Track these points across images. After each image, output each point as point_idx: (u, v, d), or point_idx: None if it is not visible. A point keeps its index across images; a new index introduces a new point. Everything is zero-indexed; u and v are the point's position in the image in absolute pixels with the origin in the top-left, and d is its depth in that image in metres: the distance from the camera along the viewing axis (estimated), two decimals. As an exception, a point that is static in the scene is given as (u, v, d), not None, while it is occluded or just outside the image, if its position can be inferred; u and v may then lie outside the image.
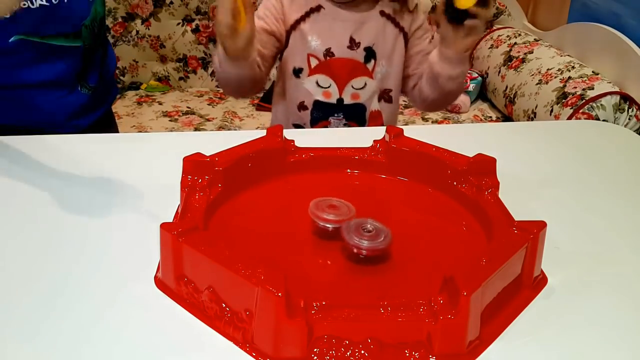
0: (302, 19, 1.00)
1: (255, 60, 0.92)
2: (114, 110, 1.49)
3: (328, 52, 1.00)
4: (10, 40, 0.92)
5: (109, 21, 1.98)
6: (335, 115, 1.03)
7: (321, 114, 1.03)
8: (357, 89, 1.02)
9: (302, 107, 1.04)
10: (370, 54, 1.01)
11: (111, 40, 1.98)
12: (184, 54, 2.07)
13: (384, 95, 1.04)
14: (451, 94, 1.02)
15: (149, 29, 2.03)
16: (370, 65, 1.01)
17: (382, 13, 1.01)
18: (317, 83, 1.01)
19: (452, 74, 0.96)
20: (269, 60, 1.02)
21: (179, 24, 2.04)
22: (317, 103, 1.03)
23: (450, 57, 0.94)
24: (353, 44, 1.00)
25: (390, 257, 0.57)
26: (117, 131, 1.22)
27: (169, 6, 2.01)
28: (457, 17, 0.87)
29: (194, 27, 2.04)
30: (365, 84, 1.02)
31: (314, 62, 1.01)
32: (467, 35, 0.90)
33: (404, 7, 1.02)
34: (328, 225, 0.57)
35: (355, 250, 0.55)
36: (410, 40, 1.03)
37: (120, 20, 2.00)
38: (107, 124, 1.17)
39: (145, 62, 2.07)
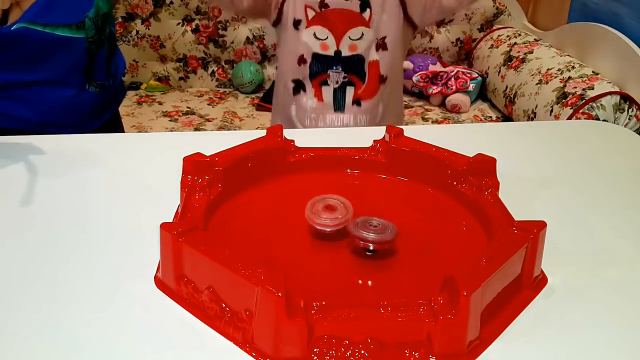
0: None
1: None
2: None
3: (323, 3, 1.01)
4: (13, 28, 0.92)
5: (109, 21, 1.98)
6: (334, 67, 1.04)
7: (320, 67, 1.04)
8: (354, 40, 1.03)
9: (301, 60, 1.05)
10: (364, 3, 1.02)
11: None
12: (184, 53, 2.07)
13: (381, 44, 1.05)
14: None
15: (149, 29, 2.03)
16: (366, 15, 1.03)
17: None
18: (314, 35, 1.03)
19: None
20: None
21: (179, 23, 2.04)
22: (315, 56, 1.04)
23: None
24: None
25: (390, 256, 0.57)
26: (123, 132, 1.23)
27: (168, 6, 2.01)
28: None
29: (194, 27, 2.04)
30: (362, 34, 1.03)
31: (310, 14, 1.02)
32: None
33: None
34: (326, 229, 0.58)
35: (362, 244, 0.55)
36: None
37: (120, 20, 2.01)
38: (114, 126, 1.18)
39: (145, 62, 2.07)
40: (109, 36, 1.08)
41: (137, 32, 2.01)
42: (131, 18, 2.02)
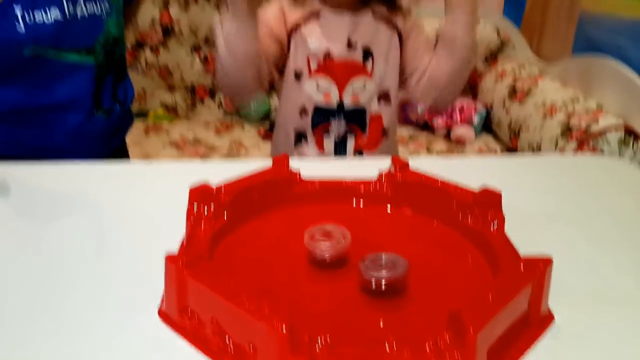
0: (303, 21, 1.03)
1: (252, 41, 0.93)
2: None
3: (327, 54, 1.03)
4: (25, 53, 0.94)
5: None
6: (336, 118, 1.05)
7: (322, 118, 1.05)
8: (357, 91, 1.04)
9: (303, 111, 1.05)
10: (367, 53, 1.04)
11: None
12: (192, 82, 2.09)
13: (383, 96, 1.07)
14: (466, 63, 1.03)
15: (157, 58, 2.06)
16: (368, 65, 1.04)
17: (375, 14, 1.04)
18: (317, 85, 1.04)
19: (464, 31, 0.99)
20: (273, 66, 1.03)
21: (187, 53, 2.07)
22: (317, 107, 1.05)
23: (460, 13, 0.98)
24: (350, 44, 1.03)
25: (395, 290, 0.56)
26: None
27: (178, 35, 2.04)
28: None
29: (202, 56, 2.07)
30: (365, 84, 1.04)
31: (313, 64, 1.03)
32: None
33: (397, 9, 1.06)
34: (325, 255, 0.58)
35: (374, 285, 0.55)
36: (407, 41, 1.06)
37: (129, 48, 2.04)
38: (122, 154, 1.18)
39: (154, 91, 2.09)
40: (119, 61, 1.10)
41: (146, 60, 2.04)
42: (140, 46, 2.04)
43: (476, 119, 1.92)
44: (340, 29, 1.03)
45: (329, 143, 1.07)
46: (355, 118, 1.06)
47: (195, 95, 2.11)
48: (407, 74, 1.08)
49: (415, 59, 1.06)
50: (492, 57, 2.11)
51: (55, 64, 0.98)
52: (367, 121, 1.06)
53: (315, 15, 1.04)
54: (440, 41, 1.02)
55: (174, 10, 2.03)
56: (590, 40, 1.88)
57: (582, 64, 1.77)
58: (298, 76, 1.05)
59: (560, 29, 2.06)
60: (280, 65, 1.05)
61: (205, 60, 2.07)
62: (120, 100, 1.11)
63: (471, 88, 2.13)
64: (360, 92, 1.04)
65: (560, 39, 2.06)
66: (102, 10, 1.01)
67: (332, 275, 0.58)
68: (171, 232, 0.62)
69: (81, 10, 0.98)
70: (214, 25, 0.95)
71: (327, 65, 1.03)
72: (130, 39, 2.03)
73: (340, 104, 1.05)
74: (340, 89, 1.04)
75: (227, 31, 0.92)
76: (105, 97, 1.07)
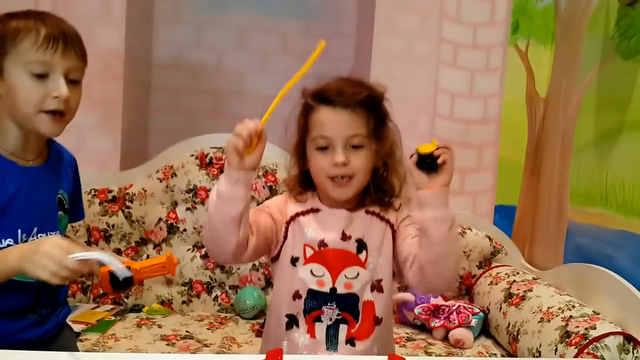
0: (302, 213, 1.12)
1: (243, 205, 1.00)
2: (112, 332, 1.51)
3: (322, 243, 1.09)
4: None
5: (122, 245, 2.07)
6: (329, 304, 1.07)
7: (314, 303, 1.08)
8: (350, 279, 1.08)
9: (296, 295, 1.08)
10: (361, 245, 1.10)
11: (121, 262, 2.04)
12: (190, 278, 2.11)
13: (376, 286, 1.10)
14: (446, 252, 1.02)
15: (159, 254, 2.10)
16: (362, 256, 1.09)
17: (367, 211, 1.12)
18: (311, 272, 1.08)
19: (437, 217, 1.00)
20: (259, 240, 1.07)
21: (189, 249, 2.12)
22: (311, 292, 1.08)
23: (430, 199, 1.01)
24: (345, 236, 1.09)
25: None
26: (72, 343, 1.28)
27: (182, 233, 2.11)
28: (426, 164, 1.00)
29: (203, 253, 2.12)
30: (358, 273, 1.08)
31: (309, 252, 1.09)
32: (441, 173, 1.00)
33: (389, 206, 1.13)
34: None
35: None
36: (398, 230, 1.13)
37: (133, 244, 2.09)
38: (60, 335, 1.22)
39: (151, 285, 2.10)
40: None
41: (148, 256, 2.08)
42: (144, 243, 2.10)
43: (474, 322, 1.89)
44: (335, 222, 1.11)
45: (320, 330, 1.08)
46: (348, 305, 1.08)
47: (192, 289, 2.11)
48: (401, 262, 1.11)
49: (406, 246, 1.11)
50: (486, 262, 2.16)
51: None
52: (360, 309, 1.08)
53: (314, 211, 1.13)
54: (418, 232, 1.06)
55: (181, 211, 2.13)
56: (580, 249, 1.94)
57: (575, 272, 1.80)
58: (294, 262, 1.10)
59: (550, 238, 2.13)
60: (269, 242, 1.11)
61: (205, 257, 2.11)
62: (53, 307, 1.20)
63: (467, 290, 2.14)
64: (353, 280, 1.08)
65: (551, 248, 2.11)
66: None
67: None
68: None
69: (32, 239, 1.10)
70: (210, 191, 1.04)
71: (322, 254, 1.09)
72: (135, 236, 2.09)
73: (334, 290, 1.08)
74: (334, 277, 1.08)
75: (219, 190, 1.00)
76: (41, 306, 1.16)
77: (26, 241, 1.10)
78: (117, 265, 0.99)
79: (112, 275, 1.04)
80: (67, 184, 1.23)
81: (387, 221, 1.13)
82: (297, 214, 1.12)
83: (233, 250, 1.02)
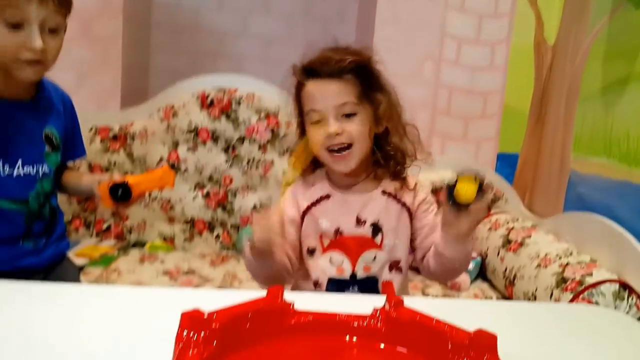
0: (314, 204, 1.10)
1: (282, 261, 1.00)
2: (115, 267, 1.55)
3: (337, 231, 1.08)
4: None
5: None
6: (350, 288, 1.08)
7: (335, 289, 1.08)
8: (368, 262, 1.08)
9: (316, 285, 1.09)
10: (376, 229, 1.08)
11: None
12: (192, 216, 2.12)
13: (394, 266, 1.10)
14: (455, 271, 1.09)
15: (161, 192, 2.11)
16: (378, 239, 1.08)
17: (384, 192, 1.10)
18: (330, 260, 1.08)
19: (455, 255, 1.02)
20: (297, 247, 1.10)
21: (190, 189, 2.13)
22: (331, 279, 1.08)
23: (453, 239, 1.00)
24: (359, 222, 1.08)
25: None
26: (74, 276, 1.31)
27: (183, 173, 2.12)
28: (459, 205, 0.94)
29: (205, 192, 2.13)
30: (375, 256, 1.08)
31: (326, 241, 1.09)
32: (469, 220, 0.96)
33: (404, 185, 1.11)
34: None
35: None
36: (415, 214, 1.11)
37: (135, 181, 2.10)
38: (60, 270, 1.25)
39: (153, 222, 2.12)
40: (51, 209, 1.23)
41: (149, 194, 2.09)
42: (145, 181, 2.11)
43: (471, 266, 1.92)
44: (349, 208, 1.09)
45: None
46: (368, 287, 1.09)
47: (194, 228, 2.13)
48: (414, 247, 1.13)
49: (420, 236, 1.11)
50: (486, 211, 2.17)
51: None
52: (379, 289, 1.09)
53: (325, 198, 1.11)
54: (433, 246, 1.06)
55: (182, 151, 2.12)
56: (581, 199, 1.95)
57: (574, 220, 1.81)
58: (311, 252, 1.10)
59: (551, 187, 2.13)
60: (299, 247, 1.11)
61: (207, 196, 2.13)
62: (49, 238, 1.23)
63: (466, 236, 2.16)
64: (371, 263, 1.08)
65: (552, 196, 2.12)
66: (37, 172, 1.16)
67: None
68: (159, 357, 0.61)
69: (17, 171, 1.13)
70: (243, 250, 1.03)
71: (339, 242, 1.08)
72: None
73: (353, 275, 1.08)
74: (353, 262, 1.08)
75: (251, 264, 1.01)
76: (36, 235, 1.19)
77: (10, 173, 1.13)
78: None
79: (112, 189, 1.11)
80: (58, 121, 1.24)
81: (404, 204, 1.11)
82: (310, 206, 1.11)
83: (288, 281, 1.07)
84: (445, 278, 1.13)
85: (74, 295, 0.88)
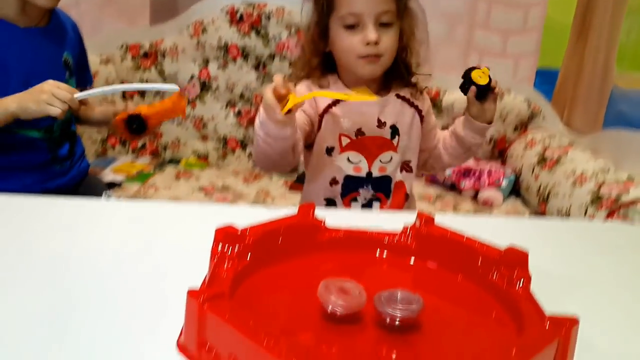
0: (334, 104, 1.09)
1: (293, 138, 0.97)
2: (152, 183, 1.60)
3: (359, 131, 1.09)
4: None
5: (156, 100, 2.08)
6: (365, 186, 1.11)
7: (351, 187, 1.11)
8: (384, 163, 1.11)
9: (333, 182, 1.12)
10: (394, 131, 1.11)
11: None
12: (224, 135, 2.14)
13: (405, 166, 1.15)
14: (470, 154, 1.19)
15: (193, 110, 2.12)
16: (395, 141, 1.11)
17: (398, 96, 1.12)
18: (348, 159, 1.10)
19: (479, 143, 1.14)
20: (302, 144, 1.08)
21: (222, 107, 2.13)
22: (347, 177, 1.11)
23: (482, 130, 1.11)
24: (380, 123, 1.10)
25: (416, 340, 0.55)
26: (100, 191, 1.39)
27: (214, 91, 2.11)
28: (481, 94, 1.07)
29: (236, 111, 2.13)
30: (391, 157, 1.12)
31: (345, 141, 1.09)
32: (492, 103, 1.08)
33: (415, 90, 1.14)
34: (337, 310, 0.57)
35: (388, 320, 0.55)
36: (426, 118, 1.16)
37: (167, 100, 2.10)
38: (87, 185, 1.35)
39: (187, 140, 2.15)
40: (71, 134, 1.31)
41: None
42: (178, 98, 2.11)
43: (504, 183, 1.91)
44: (369, 110, 1.10)
45: (356, 208, 1.12)
46: (381, 186, 1.12)
47: (227, 145, 2.15)
48: (424, 146, 1.18)
49: (431, 137, 1.18)
50: (522, 126, 2.12)
51: (16, 136, 1.18)
52: (392, 188, 1.14)
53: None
54: (447, 140, 1.17)
55: (213, 68, 2.10)
56: (621, 115, 1.89)
57: (613, 137, 1.77)
58: (329, 151, 1.10)
59: (592, 103, 2.06)
60: (308, 141, 1.11)
61: (238, 114, 2.13)
62: (72, 159, 1.32)
63: (500, 153, 2.13)
64: (387, 164, 1.12)
65: (592, 113, 2.06)
66: None
67: (347, 322, 0.57)
68: (194, 270, 0.63)
69: None
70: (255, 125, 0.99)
71: (359, 142, 1.09)
72: (168, 93, 2.09)
73: (369, 174, 1.11)
74: (370, 162, 1.10)
75: (267, 129, 0.94)
76: (61, 159, 1.28)
77: None
78: (156, 87, 1.09)
79: (127, 122, 1.16)
80: (72, 47, 1.27)
81: (416, 107, 1.14)
82: (329, 105, 1.09)
83: (290, 166, 1.06)
84: (457, 163, 1.23)
85: (109, 210, 0.90)
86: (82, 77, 1.33)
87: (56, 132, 1.23)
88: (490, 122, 1.10)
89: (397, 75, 1.11)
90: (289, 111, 0.89)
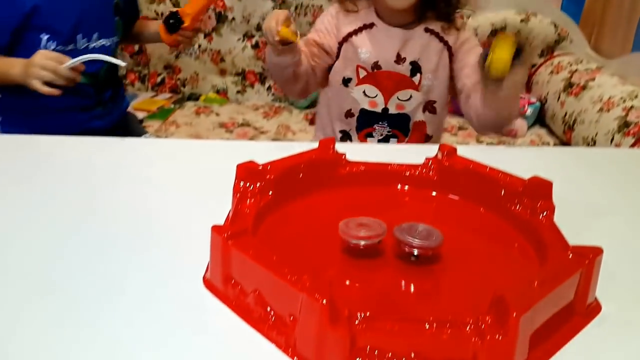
0: (355, 32, 1.07)
1: (301, 61, 0.99)
2: (172, 119, 1.61)
3: (375, 65, 1.06)
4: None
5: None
6: (380, 123, 1.09)
7: (367, 122, 1.09)
8: (402, 100, 1.07)
9: (349, 114, 1.10)
10: (415, 68, 1.06)
11: (175, 52, 2.06)
12: (242, 68, 2.11)
13: (429, 107, 1.10)
14: (507, 114, 1.02)
15: (210, 43, 2.09)
16: (416, 79, 1.07)
17: (427, 29, 1.06)
18: (364, 92, 1.08)
19: (516, 95, 1.00)
20: (319, 73, 1.08)
21: (239, 39, 2.09)
22: (363, 111, 1.09)
23: (519, 86, 0.97)
24: (399, 59, 1.06)
25: (438, 272, 0.56)
26: (138, 128, 1.44)
27: (231, 22, 2.07)
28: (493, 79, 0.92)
29: (254, 43, 2.09)
30: (411, 96, 1.07)
31: (362, 73, 1.07)
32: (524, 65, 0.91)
33: (451, 25, 1.07)
34: (360, 242, 0.57)
35: (407, 249, 0.55)
36: (457, 55, 1.08)
37: (183, 33, 2.07)
38: (125, 126, 1.37)
39: (206, 75, 2.12)
40: (117, 80, 1.36)
41: (200, 45, 2.07)
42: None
43: (529, 111, 1.87)
44: (390, 43, 1.05)
45: (372, 144, 1.10)
46: (399, 124, 1.09)
47: (245, 80, 2.13)
48: (457, 88, 1.09)
49: (463, 77, 1.06)
50: (548, 51, 2.05)
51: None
52: (410, 127, 1.09)
53: (368, 27, 1.06)
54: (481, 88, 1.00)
55: (229, -2, 2.05)
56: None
57: (644, 60, 1.70)
58: (346, 82, 1.08)
59: (621, 26, 1.98)
60: (324, 69, 1.09)
61: (256, 47, 2.09)
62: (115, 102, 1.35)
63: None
64: (405, 102, 1.07)
65: (620, 36, 1.98)
66: (111, 44, 1.25)
67: (369, 256, 0.58)
68: (217, 206, 0.64)
69: (93, 43, 1.21)
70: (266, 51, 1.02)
71: (375, 76, 1.06)
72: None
73: (385, 110, 1.08)
74: (386, 98, 1.07)
75: (268, 57, 1.00)
76: (105, 102, 1.31)
77: (86, 46, 1.20)
78: (110, 60, 1.13)
79: (165, 23, 1.26)
80: None
81: (446, 42, 1.07)
82: (350, 34, 1.06)
83: (299, 93, 1.08)
84: (494, 123, 1.04)
85: (136, 146, 0.91)
86: (132, 15, 1.36)
87: (102, 78, 1.26)
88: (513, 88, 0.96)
89: (431, 5, 1.05)
90: (286, 43, 0.93)
